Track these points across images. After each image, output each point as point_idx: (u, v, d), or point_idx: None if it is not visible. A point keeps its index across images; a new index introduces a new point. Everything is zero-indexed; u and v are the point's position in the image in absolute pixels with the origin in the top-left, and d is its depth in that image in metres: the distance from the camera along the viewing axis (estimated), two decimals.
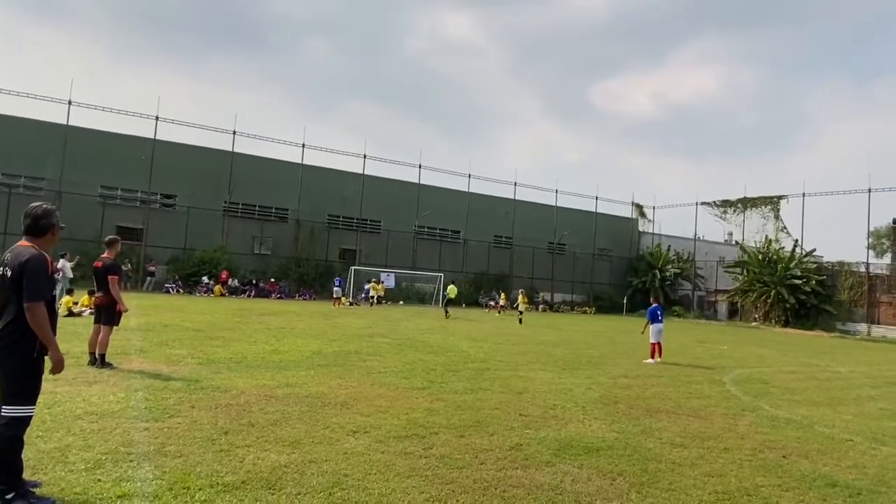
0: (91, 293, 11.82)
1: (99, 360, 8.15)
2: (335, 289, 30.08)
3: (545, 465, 5.09)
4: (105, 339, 8.27)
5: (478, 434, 5.96)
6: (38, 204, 3.99)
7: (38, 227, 3.87)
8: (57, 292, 4.32)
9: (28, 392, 3.68)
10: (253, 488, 4.06)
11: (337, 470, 4.57)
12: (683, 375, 11.78)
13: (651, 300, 15.01)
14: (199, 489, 3.96)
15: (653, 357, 13.68)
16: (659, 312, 14.20)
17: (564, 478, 4.78)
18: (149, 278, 32.64)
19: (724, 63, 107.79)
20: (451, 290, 29.27)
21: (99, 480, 4.00)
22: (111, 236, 9.08)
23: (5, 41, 72.37)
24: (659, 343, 13.87)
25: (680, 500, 4.50)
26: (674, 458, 5.58)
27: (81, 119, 33.44)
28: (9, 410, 3.58)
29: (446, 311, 26.83)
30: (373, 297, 32.85)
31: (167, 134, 35.33)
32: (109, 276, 8.47)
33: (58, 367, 3.82)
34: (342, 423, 6.01)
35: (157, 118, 34.40)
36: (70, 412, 5.67)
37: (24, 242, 3.83)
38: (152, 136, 34.32)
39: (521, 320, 26.21)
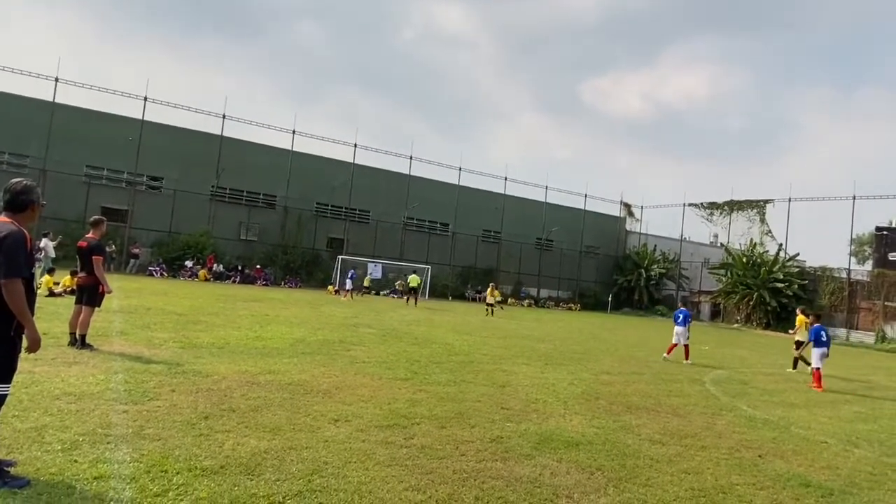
0: (73, 273, 11.68)
1: (79, 341, 8.05)
2: (347, 281, 30.07)
3: (525, 457, 5.13)
4: (86, 319, 8.17)
5: (459, 426, 5.98)
6: (18, 180, 3.92)
7: (17, 202, 3.80)
8: (37, 271, 4.24)
9: (2, 370, 3.62)
10: (231, 473, 4.04)
11: (317, 457, 4.56)
12: (664, 374, 11.90)
13: (678, 304, 16.69)
14: (177, 473, 3.94)
15: (669, 353, 14.70)
16: (681, 315, 14.77)
17: (543, 471, 4.81)
18: (132, 260, 32.25)
19: (714, 65, 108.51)
20: (413, 279, 29.31)
21: (75, 461, 3.96)
22: (96, 216, 8.92)
23: None
24: (676, 344, 14.66)
25: (656, 495, 4.55)
26: (652, 455, 5.64)
27: (68, 97, 32.84)
28: None
29: (408, 300, 28.35)
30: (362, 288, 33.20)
31: (155, 115, 34.90)
32: (94, 257, 8.36)
33: (34, 347, 3.76)
34: (324, 411, 6.00)
35: (145, 99, 33.93)
36: (48, 392, 5.60)
37: (3, 218, 3.76)
38: (140, 117, 33.85)
39: (491, 312, 26.72)
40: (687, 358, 14.37)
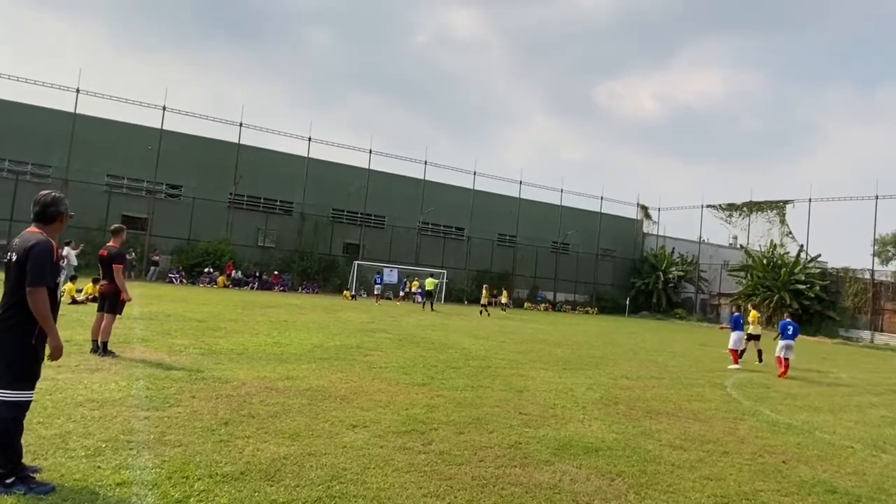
0: (95, 281, 11.88)
1: (101, 348, 8.17)
2: (376, 286, 31.15)
3: (544, 463, 5.09)
4: (108, 327, 8.30)
5: (477, 431, 5.96)
6: (47, 192, 4.02)
7: (47, 214, 3.90)
8: (60, 280, 4.32)
9: (25, 376, 3.68)
10: (252, 479, 4.07)
11: (336, 463, 4.57)
12: (685, 378, 11.75)
13: (733, 310, 17.01)
14: (198, 479, 3.97)
15: (736, 362, 14.55)
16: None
17: (563, 477, 4.77)
18: (153, 268, 32.74)
19: (729, 66, 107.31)
20: (430, 283, 29.28)
21: (98, 468, 4.02)
22: (117, 225, 9.08)
23: (11, 28, 72.55)
24: (736, 350, 14.74)
25: (678, 502, 4.49)
26: (673, 461, 5.57)
27: (89, 108, 33.48)
28: (7, 394, 3.60)
29: (424, 305, 28.81)
30: (415, 294, 35.41)
31: (174, 124, 35.46)
32: (114, 265, 8.49)
33: (56, 354, 3.82)
34: (342, 416, 6.01)
35: (164, 108, 34.48)
36: (71, 399, 5.69)
37: (32, 229, 3.86)
38: (159, 126, 34.39)
39: (485, 312, 28.12)
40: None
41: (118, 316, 8.66)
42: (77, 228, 27.17)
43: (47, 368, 6.89)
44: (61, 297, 3.95)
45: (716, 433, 6.96)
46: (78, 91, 32.22)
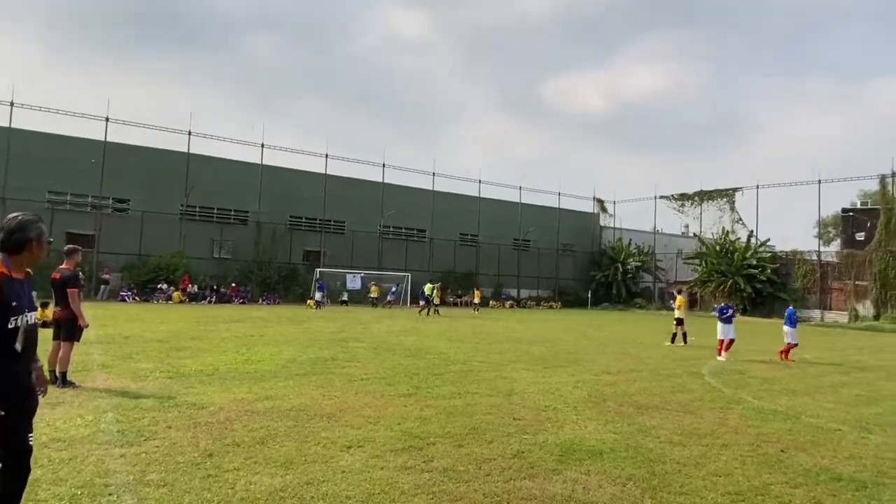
0: (44, 305, 11.07)
1: (60, 379, 7.58)
2: (317, 293, 30.45)
3: (552, 473, 4.91)
4: (66, 355, 7.70)
5: (476, 442, 5.74)
6: (14, 215, 3.29)
7: (10, 242, 3.14)
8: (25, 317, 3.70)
9: None
10: None
11: (337, 492, 4.27)
12: (662, 369, 11.84)
13: (722, 302, 17.25)
14: None
15: (720, 353, 14.23)
16: (726, 312, 14.85)
17: (575, 486, 4.60)
18: (102, 287, 31.24)
19: (670, 60, 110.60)
20: (428, 288, 29.09)
21: None
22: (70, 245, 8.35)
23: None
24: (723, 340, 14.41)
25: (695, 503, 4.38)
26: (677, 458, 5.48)
27: (26, 122, 31.57)
28: None
29: (435, 310, 28.79)
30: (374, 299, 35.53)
31: (119, 136, 33.88)
32: (69, 289, 7.87)
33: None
34: (333, 437, 5.69)
35: (106, 119, 32.92)
36: (35, 440, 5.15)
37: None
38: (103, 139, 32.81)
39: (433, 311, 28.50)
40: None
41: (76, 343, 8.06)
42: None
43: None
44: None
45: (708, 425, 6.94)
46: (12, 104, 30.42)
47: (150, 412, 6.35)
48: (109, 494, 4.01)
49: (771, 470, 5.26)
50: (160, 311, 23.34)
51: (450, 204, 45.62)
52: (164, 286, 31.99)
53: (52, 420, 5.85)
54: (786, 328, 14.63)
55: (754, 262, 41.98)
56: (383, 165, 42.57)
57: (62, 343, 7.76)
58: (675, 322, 17.39)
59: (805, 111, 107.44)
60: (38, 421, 5.76)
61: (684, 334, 17.10)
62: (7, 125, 30.29)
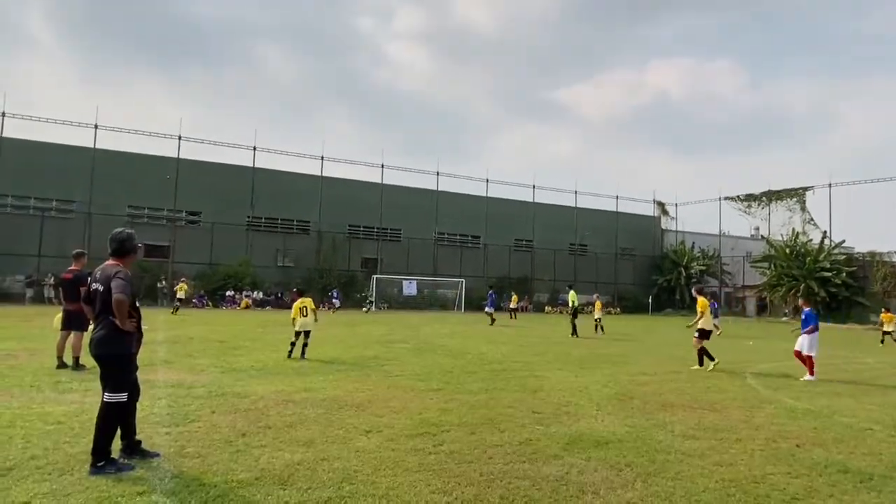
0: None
1: (74, 363, 9.01)
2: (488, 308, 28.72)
3: (552, 458, 5.17)
4: (77, 343, 9.05)
5: (489, 431, 6.06)
6: (121, 230, 4.99)
7: (123, 248, 4.84)
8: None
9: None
10: (265, 484, 4.23)
11: (347, 467, 4.71)
12: (704, 371, 11.67)
13: (800, 303, 12.53)
14: (214, 486, 4.15)
15: (811, 373, 10.94)
16: (812, 321, 11.31)
17: (570, 469, 4.85)
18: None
19: (701, 54, 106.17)
20: (573, 297, 22.39)
21: (120, 480, 4.22)
22: (78, 250, 9.81)
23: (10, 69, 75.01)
24: (811, 356, 11.09)
25: (685, 487, 4.53)
26: (684, 450, 5.60)
27: (107, 142, 34.43)
28: (108, 397, 4.51)
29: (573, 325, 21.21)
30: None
31: (190, 153, 36.29)
32: (80, 288, 8.98)
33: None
34: (356, 423, 6.16)
35: (179, 137, 35.36)
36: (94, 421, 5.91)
37: (110, 262, 4.78)
38: (176, 156, 35.24)
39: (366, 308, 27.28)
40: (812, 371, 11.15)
41: (84, 332, 9.13)
42: (103, 260, 27.89)
43: (73, 392, 7.18)
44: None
45: (731, 422, 6.94)
46: (96, 127, 33.23)
47: (198, 399, 7.06)
48: (151, 461, 4.64)
49: (777, 462, 5.30)
50: (226, 316, 24.84)
51: (504, 210, 45.82)
52: (232, 293, 33.88)
53: None
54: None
55: (828, 265, 39.75)
56: (437, 173, 43.39)
57: (73, 332, 9.11)
58: (696, 335, 12.11)
59: (876, 105, 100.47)
60: (93, 404, 6.57)
61: (704, 353, 11.89)
62: (92, 146, 33.09)
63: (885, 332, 21.62)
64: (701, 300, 12.65)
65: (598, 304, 22.31)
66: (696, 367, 11.89)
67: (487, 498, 4.15)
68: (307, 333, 11.36)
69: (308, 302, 11.72)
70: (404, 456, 5.07)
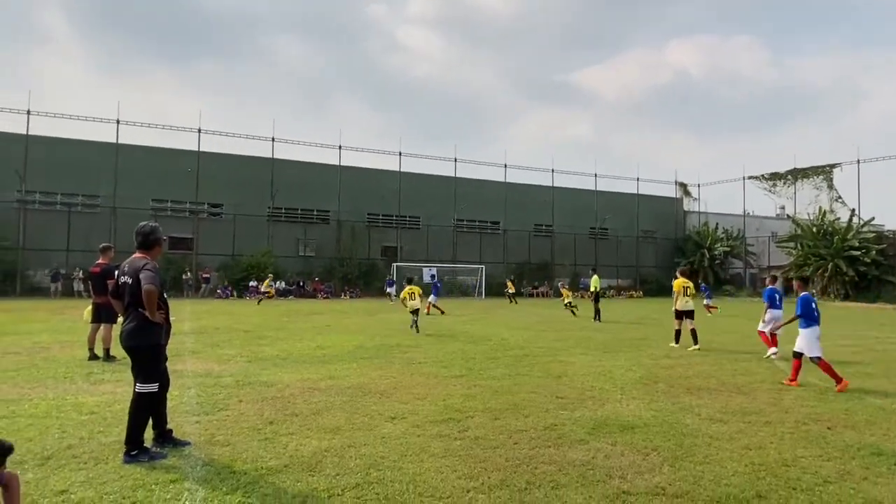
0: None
1: (105, 354, 9.21)
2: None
3: (578, 443, 5.16)
4: (108, 334, 9.27)
5: (513, 416, 6.06)
6: (145, 223, 5.05)
7: (148, 241, 4.90)
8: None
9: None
10: (294, 471, 4.30)
11: (374, 453, 4.76)
12: (730, 354, 11.53)
13: (767, 282, 11.69)
14: (244, 473, 4.23)
15: (772, 346, 10.97)
16: (777, 296, 11.34)
17: (597, 454, 4.84)
18: (203, 285, 34.01)
19: (718, 33, 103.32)
20: (595, 281, 21.47)
21: (154, 468, 4.32)
22: (105, 244, 10.03)
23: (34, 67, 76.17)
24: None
25: (714, 471, 4.49)
26: (711, 433, 5.54)
27: (128, 137, 34.91)
28: (140, 387, 4.62)
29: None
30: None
31: (210, 145, 36.66)
32: (108, 281, 9.12)
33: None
34: (381, 410, 6.22)
35: (199, 130, 35.70)
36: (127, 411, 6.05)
37: (137, 255, 4.86)
38: (196, 149, 35.63)
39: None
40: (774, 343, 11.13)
41: (114, 324, 9.27)
42: (128, 253, 28.42)
43: (104, 383, 7.35)
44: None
45: (758, 404, 6.85)
46: (118, 122, 33.71)
47: (226, 389, 7.18)
48: (182, 450, 4.73)
49: (808, 445, 5.22)
50: (250, 306, 25.18)
51: (522, 195, 45.53)
52: (255, 283, 34.34)
53: None
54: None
55: (856, 244, 38.79)
56: (455, 160, 43.23)
57: (103, 325, 9.33)
58: (680, 314, 12.53)
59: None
60: (125, 394, 6.72)
61: (693, 332, 12.28)
62: (114, 141, 33.59)
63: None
64: (676, 282, 13.01)
65: (565, 292, 24.15)
66: (673, 343, 12.62)
67: (514, 483, 4.16)
68: (416, 311, 14.77)
69: (416, 289, 15.17)
70: (430, 442, 5.10)
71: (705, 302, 24.53)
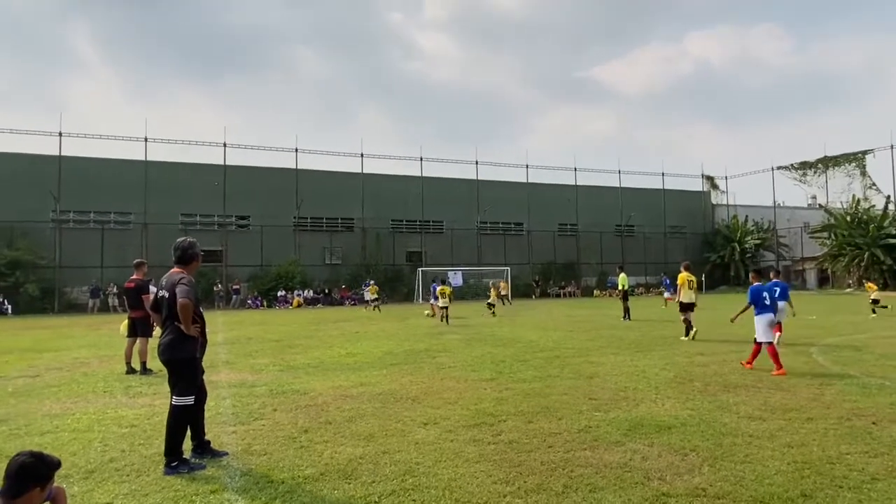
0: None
1: (142, 368, 9.35)
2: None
3: (614, 444, 5.09)
4: (144, 348, 9.43)
5: (546, 419, 6.01)
6: (183, 238, 5.16)
7: (186, 256, 5.00)
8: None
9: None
10: (331, 479, 4.33)
11: (408, 459, 4.77)
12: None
13: (750, 277, 9.91)
14: (282, 482, 4.27)
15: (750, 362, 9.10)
16: (766, 294, 9.15)
17: (634, 456, 4.76)
18: (234, 296, 34.60)
19: (739, 22, 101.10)
20: (623, 279, 21.27)
21: (194, 479, 4.39)
22: (138, 260, 10.33)
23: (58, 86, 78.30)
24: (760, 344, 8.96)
25: (756, 471, 4.38)
26: (751, 432, 5.41)
27: (156, 154, 35.82)
28: (177, 400, 4.71)
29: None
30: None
31: (235, 159, 37.34)
32: (143, 296, 9.37)
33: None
34: (413, 416, 6.23)
35: (224, 145, 36.37)
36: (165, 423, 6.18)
37: (175, 270, 4.95)
38: (222, 163, 36.29)
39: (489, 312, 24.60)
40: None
41: (150, 338, 9.45)
42: (162, 268, 29.08)
43: (142, 396, 7.51)
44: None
45: (799, 401, 6.68)
46: (146, 140, 34.53)
47: (260, 398, 7.27)
48: (220, 461, 4.81)
49: (853, 441, 5.07)
50: (280, 316, 25.51)
51: (546, 194, 45.27)
52: (283, 293, 34.82)
53: None
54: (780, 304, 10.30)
55: (893, 231, 37.67)
56: (476, 162, 43.20)
57: (139, 339, 9.48)
58: (685, 306, 13.07)
59: None
60: (163, 407, 6.86)
61: (688, 323, 12.86)
62: (143, 159, 34.43)
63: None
64: (680, 276, 13.72)
65: (501, 284, 28.09)
66: (683, 337, 13.02)
67: (551, 487, 4.12)
68: (446, 308, 18.95)
69: (448, 290, 19.58)
70: (463, 447, 5.09)
71: (666, 294, 24.47)
